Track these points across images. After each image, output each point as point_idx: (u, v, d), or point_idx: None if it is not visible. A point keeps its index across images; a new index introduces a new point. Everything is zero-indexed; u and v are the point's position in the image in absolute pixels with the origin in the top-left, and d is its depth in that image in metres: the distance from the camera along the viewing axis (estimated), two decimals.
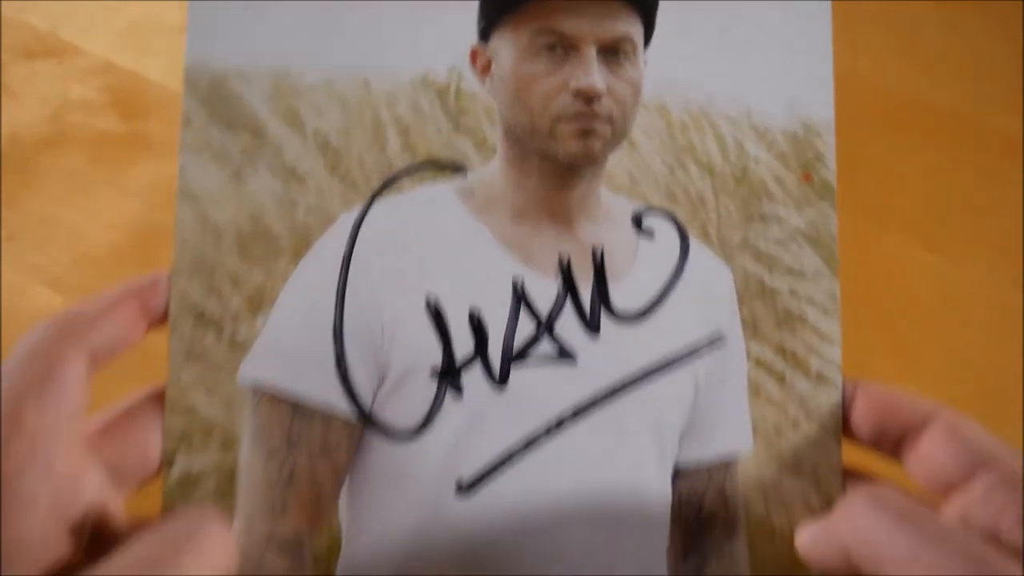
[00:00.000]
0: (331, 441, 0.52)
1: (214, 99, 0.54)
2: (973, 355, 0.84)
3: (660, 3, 0.56)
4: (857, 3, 0.88)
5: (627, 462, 0.53)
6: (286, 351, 0.52)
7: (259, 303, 0.53)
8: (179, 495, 0.51)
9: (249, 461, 0.52)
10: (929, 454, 0.49)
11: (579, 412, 0.53)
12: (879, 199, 0.91)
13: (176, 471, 0.52)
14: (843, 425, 0.53)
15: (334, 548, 0.53)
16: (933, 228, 0.90)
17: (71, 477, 0.45)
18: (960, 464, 0.48)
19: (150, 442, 0.51)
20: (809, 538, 0.49)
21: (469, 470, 0.52)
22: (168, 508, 0.51)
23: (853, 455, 0.53)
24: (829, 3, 0.56)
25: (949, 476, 0.48)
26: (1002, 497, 0.45)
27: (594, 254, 0.54)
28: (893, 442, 0.51)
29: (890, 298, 0.83)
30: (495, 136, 0.55)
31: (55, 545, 0.43)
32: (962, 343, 0.85)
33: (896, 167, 0.92)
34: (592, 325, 0.53)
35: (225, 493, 0.52)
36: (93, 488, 0.46)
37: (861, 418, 0.52)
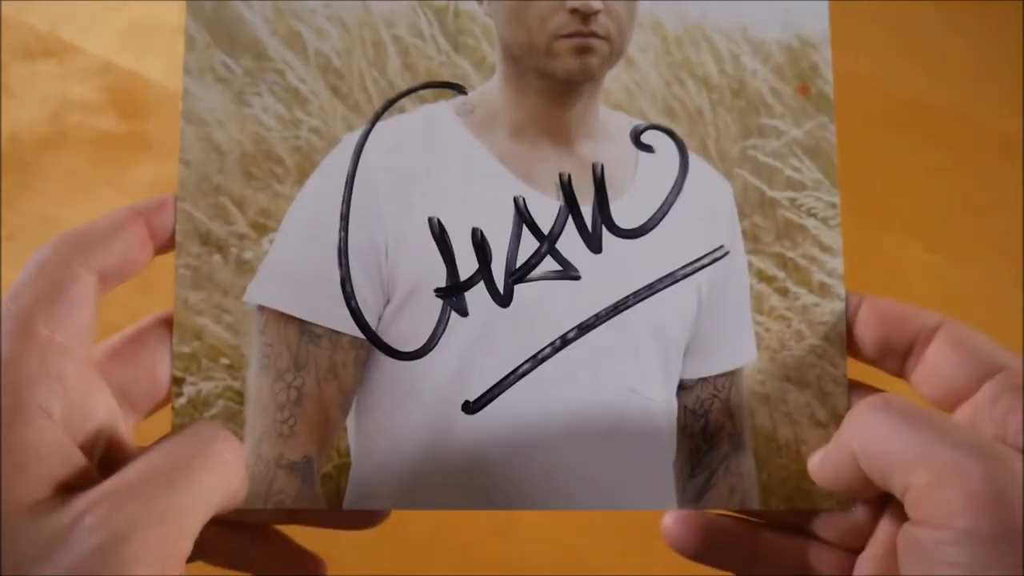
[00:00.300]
0: (338, 361, 0.53)
1: (216, 23, 0.54)
2: None
3: None
4: (857, 3, 0.88)
5: (632, 376, 0.54)
6: (292, 272, 0.53)
7: (264, 225, 0.54)
8: (188, 419, 0.52)
9: (256, 384, 0.52)
10: (935, 366, 0.49)
11: (583, 328, 0.53)
12: (879, 199, 0.91)
13: (185, 395, 0.52)
14: (848, 340, 0.53)
15: (343, 468, 0.54)
16: (933, 228, 0.91)
17: (82, 392, 0.45)
18: (967, 374, 0.48)
19: (159, 367, 0.52)
20: (819, 457, 0.50)
21: (475, 388, 0.53)
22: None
23: (859, 372, 0.54)
24: None
25: (956, 387, 0.48)
26: (1008, 403, 0.46)
27: (594, 171, 0.55)
28: (899, 356, 0.51)
29: (890, 298, 0.84)
30: (494, 56, 0.56)
31: (68, 458, 0.43)
32: None
33: (896, 167, 0.93)
34: (594, 242, 0.54)
35: (234, 417, 0.52)
36: (104, 408, 0.47)
37: (865, 331, 0.52)
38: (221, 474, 0.45)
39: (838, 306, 0.54)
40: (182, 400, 0.52)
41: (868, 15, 0.99)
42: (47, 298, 0.45)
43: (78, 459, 0.43)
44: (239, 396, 0.52)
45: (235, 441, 0.47)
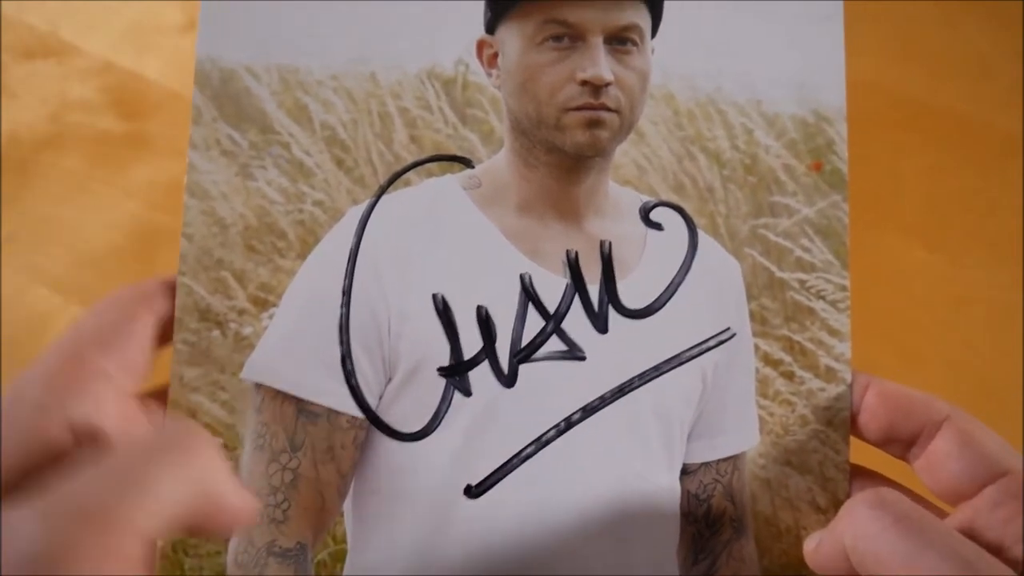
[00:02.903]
0: (336, 442, 0.52)
1: (223, 95, 0.54)
2: (973, 355, 0.84)
3: None
4: (857, 3, 0.88)
5: (636, 460, 0.53)
6: (291, 348, 0.52)
7: (265, 300, 0.53)
8: None
9: (250, 466, 0.52)
10: (939, 461, 0.49)
11: (588, 410, 0.52)
12: (879, 199, 0.91)
13: None
14: (852, 422, 0.53)
15: (339, 555, 0.53)
16: (933, 228, 0.91)
17: (118, 421, 0.45)
18: (970, 475, 0.47)
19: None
20: (814, 543, 0.49)
21: (478, 471, 0.52)
22: None
23: (862, 453, 0.53)
24: None
25: (958, 485, 0.48)
26: (1009, 510, 0.45)
27: (602, 249, 0.54)
28: (903, 444, 0.51)
29: (890, 298, 0.83)
30: (502, 129, 0.55)
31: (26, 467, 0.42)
32: (962, 343, 0.85)
33: (896, 167, 0.92)
34: (600, 321, 0.53)
35: None
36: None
37: (871, 416, 0.52)
38: (190, 475, 0.40)
39: (844, 391, 0.53)
40: None
41: (868, 15, 0.96)
42: (106, 330, 0.46)
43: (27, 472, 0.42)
44: None
45: (211, 441, 0.43)
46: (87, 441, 0.43)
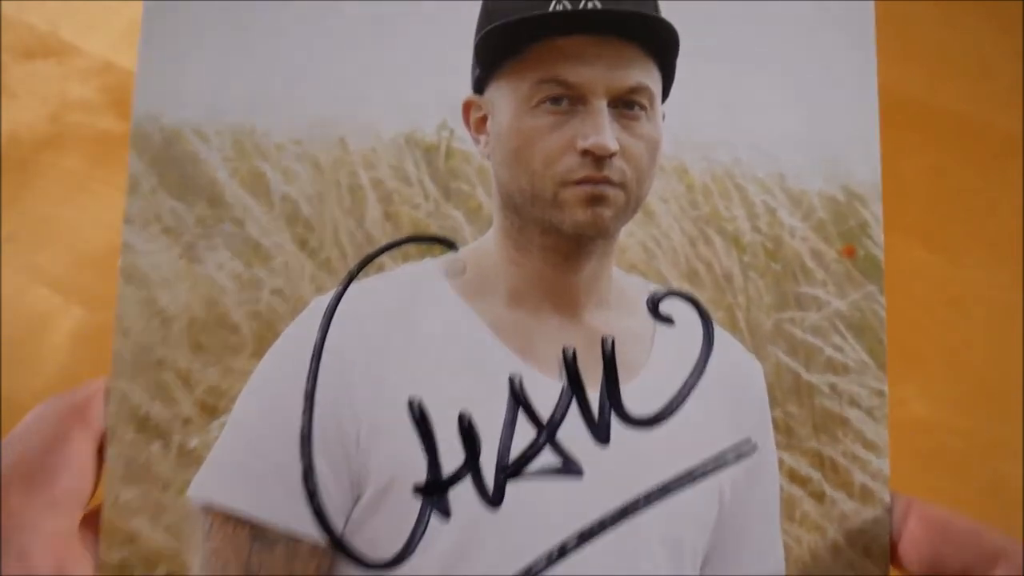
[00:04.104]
0: (296, 572, 0.45)
1: (165, 161, 0.47)
2: (973, 355, 0.84)
3: (680, 47, 0.48)
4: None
5: None
6: (245, 464, 0.46)
7: (214, 406, 0.46)
8: None
9: None
10: None
11: (585, 536, 0.46)
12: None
13: None
14: (892, 551, 0.47)
15: None
16: (933, 228, 0.90)
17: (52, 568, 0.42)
18: None
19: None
20: None
21: None
22: None
23: None
24: (873, 51, 0.49)
25: None
26: None
27: (604, 346, 0.47)
28: None
29: (891, 298, 0.85)
30: (491, 205, 0.49)
31: None
32: (962, 343, 0.84)
33: (896, 167, 0.92)
34: (601, 431, 0.47)
35: None
36: None
37: (913, 546, 0.46)
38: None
39: (882, 515, 0.47)
40: None
41: None
42: (33, 464, 0.42)
43: None
44: None
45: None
46: None
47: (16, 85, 0.97)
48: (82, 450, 0.43)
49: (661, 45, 0.48)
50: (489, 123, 0.48)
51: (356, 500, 0.46)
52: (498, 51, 0.47)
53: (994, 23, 0.99)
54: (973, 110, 0.94)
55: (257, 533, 0.45)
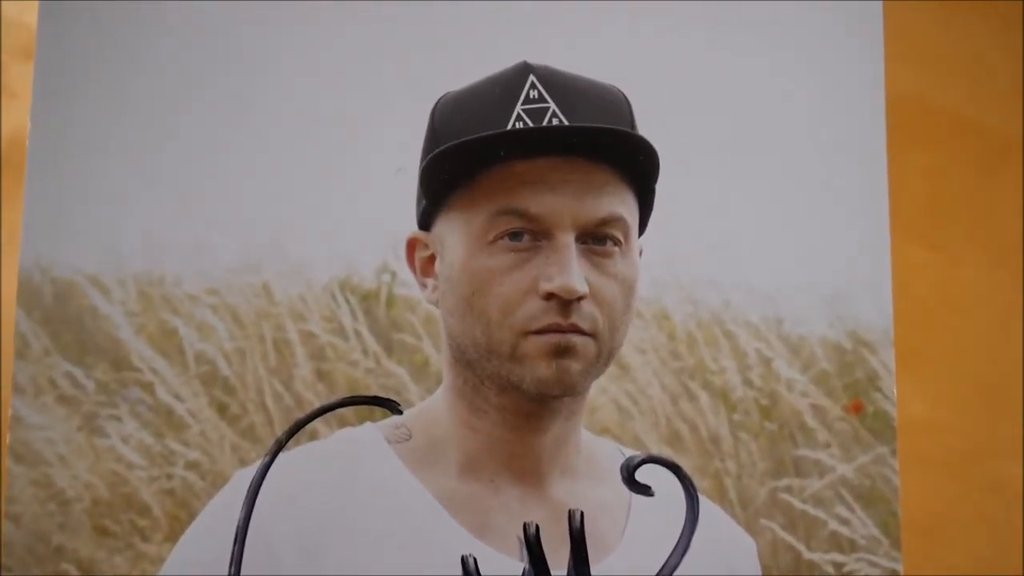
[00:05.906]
0: None
1: (59, 319, 0.43)
2: (973, 355, 0.80)
3: (659, 169, 0.43)
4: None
5: None
6: None
7: None
8: None
9: None
10: None
11: None
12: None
13: None
14: None
15: None
16: (933, 228, 0.86)
17: None
18: None
19: None
20: None
21: None
22: None
23: None
24: (884, 165, 0.44)
25: None
26: None
27: (571, 521, 0.42)
28: None
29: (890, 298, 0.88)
30: (439, 359, 0.45)
31: None
32: (962, 343, 0.81)
33: (896, 167, 0.91)
34: None
35: None
36: None
37: None
38: None
39: None
40: None
41: None
42: None
43: None
44: None
45: None
46: None
47: (16, 85, 0.92)
48: None
49: (638, 167, 0.42)
50: (437, 264, 0.43)
51: None
52: (447, 178, 0.42)
53: (994, 23, 0.98)
54: (973, 110, 0.93)
55: None
